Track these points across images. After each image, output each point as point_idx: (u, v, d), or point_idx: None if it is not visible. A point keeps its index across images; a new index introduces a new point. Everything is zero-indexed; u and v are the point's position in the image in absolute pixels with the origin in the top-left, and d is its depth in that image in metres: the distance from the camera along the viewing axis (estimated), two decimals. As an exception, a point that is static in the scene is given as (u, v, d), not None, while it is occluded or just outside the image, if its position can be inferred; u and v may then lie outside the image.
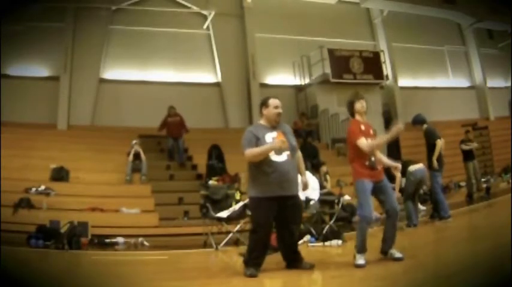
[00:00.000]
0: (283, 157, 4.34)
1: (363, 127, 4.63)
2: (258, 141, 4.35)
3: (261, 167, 4.33)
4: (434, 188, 7.50)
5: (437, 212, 7.43)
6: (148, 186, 9.52)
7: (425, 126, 7.56)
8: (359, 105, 4.72)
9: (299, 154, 4.69)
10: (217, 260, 5.97)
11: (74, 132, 11.74)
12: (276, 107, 4.47)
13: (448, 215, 7.21)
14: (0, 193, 7.69)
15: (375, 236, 7.26)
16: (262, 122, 4.55)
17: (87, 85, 12.47)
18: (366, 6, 15.15)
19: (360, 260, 4.36)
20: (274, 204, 4.31)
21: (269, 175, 4.30)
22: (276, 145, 4.27)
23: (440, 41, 16.77)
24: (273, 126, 4.48)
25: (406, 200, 7.25)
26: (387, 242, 4.57)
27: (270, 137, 4.38)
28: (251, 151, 4.31)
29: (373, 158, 4.53)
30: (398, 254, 4.45)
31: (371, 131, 4.69)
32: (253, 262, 4.30)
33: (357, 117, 4.73)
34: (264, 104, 4.53)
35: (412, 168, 7.09)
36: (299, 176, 4.62)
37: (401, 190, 10.01)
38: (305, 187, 4.69)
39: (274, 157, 4.31)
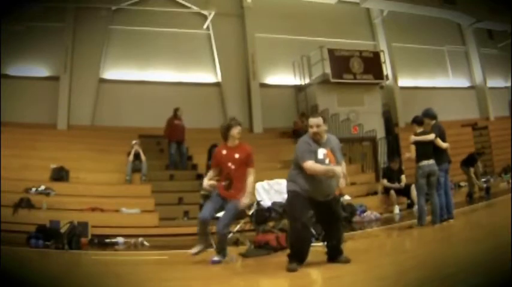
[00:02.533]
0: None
1: (224, 151, 5.26)
2: (312, 153, 4.51)
3: (308, 174, 4.50)
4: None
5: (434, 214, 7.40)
6: (148, 186, 9.52)
7: (434, 121, 7.49)
8: (235, 130, 5.23)
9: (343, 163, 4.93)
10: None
11: (74, 132, 11.74)
12: (312, 127, 4.59)
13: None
14: (0, 193, 7.69)
15: (376, 236, 7.31)
16: (309, 135, 4.66)
17: (87, 85, 12.46)
18: (366, 6, 15.15)
19: (194, 249, 5.13)
20: (311, 202, 4.57)
21: (312, 183, 4.51)
22: (335, 173, 4.47)
23: (440, 41, 16.77)
24: (320, 143, 4.60)
25: (418, 197, 7.28)
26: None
27: (321, 153, 4.55)
28: (314, 166, 4.45)
29: (228, 182, 5.17)
30: (215, 258, 5.04)
31: (236, 156, 5.19)
32: (295, 257, 4.52)
33: (229, 142, 5.27)
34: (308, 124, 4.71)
35: (421, 163, 7.07)
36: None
37: (405, 191, 10.12)
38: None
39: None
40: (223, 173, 5.23)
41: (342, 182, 4.75)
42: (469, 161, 11.00)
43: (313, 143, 4.57)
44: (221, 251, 5.09)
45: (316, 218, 4.95)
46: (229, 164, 5.17)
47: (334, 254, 4.74)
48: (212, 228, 5.23)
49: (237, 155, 5.19)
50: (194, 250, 5.11)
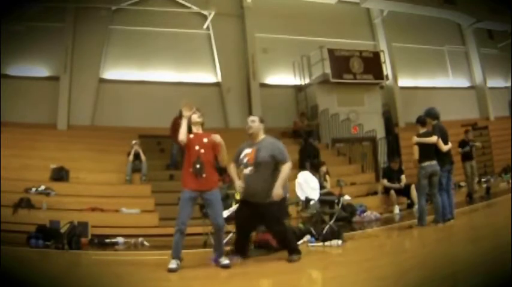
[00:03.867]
0: (247, 171, 5.09)
1: (191, 136, 4.97)
2: (239, 156, 5.21)
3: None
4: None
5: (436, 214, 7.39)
6: (148, 186, 9.50)
7: (435, 121, 7.48)
8: (195, 115, 5.07)
9: (284, 166, 5.08)
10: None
11: (74, 132, 11.72)
12: (248, 123, 5.20)
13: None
14: (0, 193, 7.69)
15: (376, 236, 7.31)
16: None
17: (87, 85, 12.44)
18: (366, 6, 15.15)
19: (172, 265, 4.66)
20: (249, 206, 5.11)
21: (244, 187, 5.12)
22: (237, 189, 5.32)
23: (440, 41, 16.76)
24: (252, 143, 5.16)
25: (420, 197, 7.29)
26: (215, 251, 5.06)
27: (244, 153, 5.15)
28: (229, 170, 5.47)
29: (198, 165, 4.81)
30: (225, 261, 4.85)
31: (204, 140, 4.96)
32: (237, 251, 5.22)
33: (194, 130, 5.05)
34: None
35: (424, 164, 7.08)
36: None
37: (405, 191, 10.11)
38: (275, 196, 5.02)
39: (243, 170, 5.15)
40: (191, 159, 4.86)
41: (276, 193, 4.92)
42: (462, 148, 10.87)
43: (246, 145, 5.20)
44: (222, 251, 4.99)
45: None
46: (197, 147, 4.87)
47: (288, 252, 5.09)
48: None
49: (205, 140, 4.93)
50: (173, 265, 4.65)
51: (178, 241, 4.80)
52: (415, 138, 7.26)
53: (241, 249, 5.28)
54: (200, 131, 5.05)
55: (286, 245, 5.13)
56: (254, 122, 5.16)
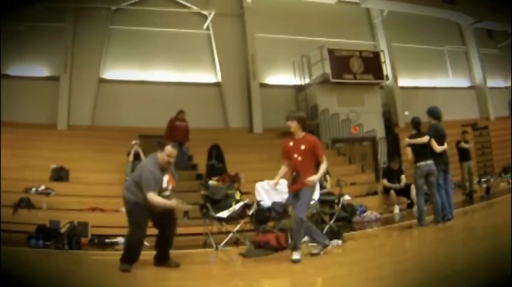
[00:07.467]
0: (167, 193, 4.94)
1: (291, 143, 5.24)
2: (157, 184, 4.79)
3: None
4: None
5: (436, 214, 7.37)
6: (148, 186, 9.48)
7: (435, 121, 7.47)
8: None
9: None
10: (217, 260, 5.97)
11: (74, 132, 11.73)
12: (169, 156, 4.89)
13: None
14: (0, 193, 7.69)
15: (376, 236, 7.31)
16: (157, 160, 4.90)
17: (87, 85, 12.45)
18: (366, 6, 15.16)
19: (296, 256, 4.80)
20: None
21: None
22: (178, 207, 4.95)
23: (440, 41, 16.78)
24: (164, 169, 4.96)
25: (418, 197, 7.32)
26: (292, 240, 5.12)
27: (165, 181, 4.91)
28: (156, 199, 4.71)
29: (294, 174, 5.10)
30: (296, 257, 4.85)
31: (302, 147, 5.15)
32: (129, 259, 4.79)
33: (294, 135, 5.28)
34: (162, 147, 4.94)
35: (419, 164, 7.10)
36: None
37: (405, 191, 10.11)
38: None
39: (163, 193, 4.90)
40: (291, 165, 5.19)
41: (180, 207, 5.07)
42: (459, 153, 10.88)
43: (159, 171, 4.83)
44: (297, 245, 4.94)
45: (153, 223, 5.03)
46: (295, 155, 5.13)
47: (163, 259, 4.99)
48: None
49: (302, 147, 5.15)
50: (298, 256, 4.85)
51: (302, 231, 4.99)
52: (407, 140, 7.31)
53: (137, 256, 4.92)
54: (300, 134, 5.23)
55: (168, 250, 5.08)
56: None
